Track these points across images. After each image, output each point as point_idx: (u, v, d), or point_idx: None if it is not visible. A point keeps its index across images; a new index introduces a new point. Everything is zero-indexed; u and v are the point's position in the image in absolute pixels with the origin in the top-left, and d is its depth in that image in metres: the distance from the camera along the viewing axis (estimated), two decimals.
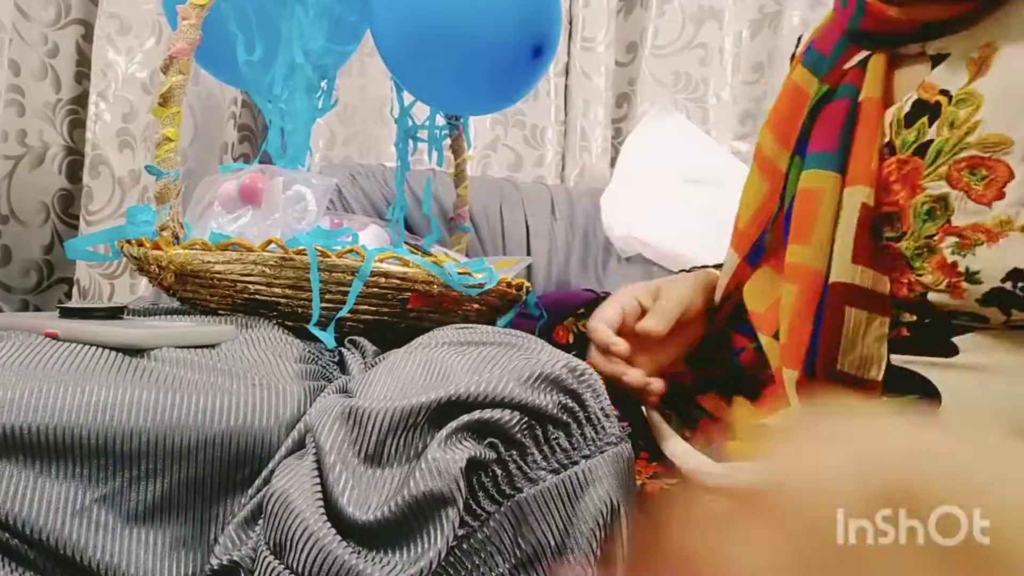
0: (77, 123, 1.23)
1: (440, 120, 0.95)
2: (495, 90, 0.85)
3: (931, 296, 0.50)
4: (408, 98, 0.92)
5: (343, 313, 0.64)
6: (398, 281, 0.66)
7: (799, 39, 0.70)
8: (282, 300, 0.65)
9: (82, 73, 1.22)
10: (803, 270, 0.55)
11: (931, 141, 0.50)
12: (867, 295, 0.52)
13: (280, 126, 0.81)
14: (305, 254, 0.63)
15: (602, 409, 0.46)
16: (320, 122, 1.33)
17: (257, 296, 0.65)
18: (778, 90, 0.66)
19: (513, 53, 0.80)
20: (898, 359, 0.52)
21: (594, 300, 0.81)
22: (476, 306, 0.73)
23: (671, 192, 1.34)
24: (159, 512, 0.45)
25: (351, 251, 0.64)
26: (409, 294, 0.67)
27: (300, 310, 0.65)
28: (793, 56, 0.69)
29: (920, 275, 0.51)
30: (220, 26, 0.76)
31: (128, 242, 0.68)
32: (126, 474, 0.45)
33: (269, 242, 0.64)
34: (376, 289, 0.65)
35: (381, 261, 0.65)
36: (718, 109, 1.55)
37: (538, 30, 0.81)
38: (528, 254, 1.24)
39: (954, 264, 0.49)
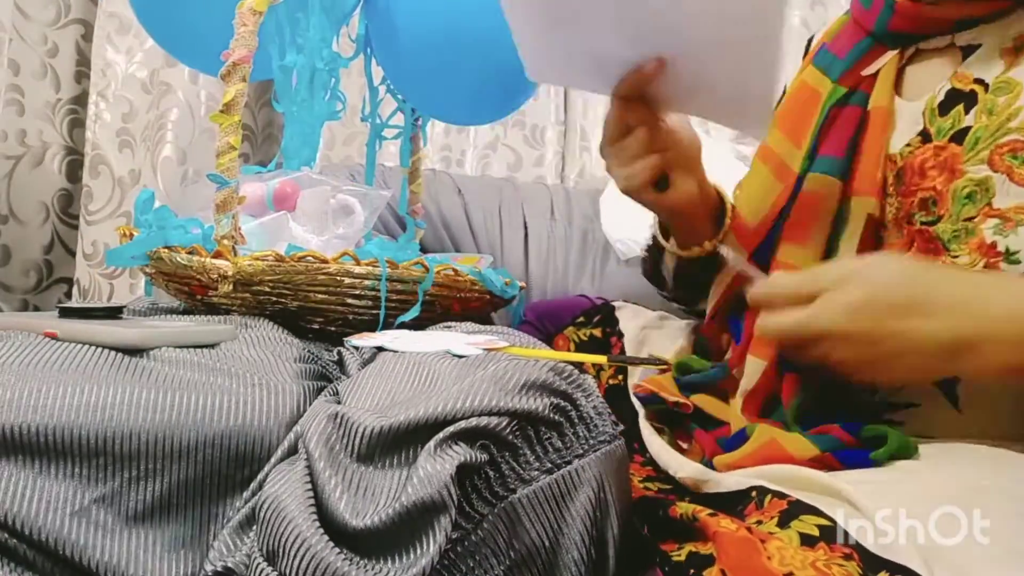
0: (77, 123, 1.23)
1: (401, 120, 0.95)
2: (495, 98, 0.85)
3: None
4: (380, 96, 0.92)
5: (407, 318, 0.67)
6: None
7: (809, 41, 0.70)
8: (338, 308, 0.66)
9: (82, 73, 1.23)
10: (795, 269, 0.57)
11: (968, 128, 0.52)
12: None
13: (295, 128, 0.83)
14: (376, 266, 0.65)
15: (595, 408, 0.46)
16: None
17: (306, 304, 0.65)
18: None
19: (513, 58, 0.80)
20: None
21: (592, 308, 0.80)
22: (475, 305, 0.73)
23: None
24: (158, 512, 0.45)
25: (417, 263, 0.67)
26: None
27: (351, 317, 0.67)
28: (804, 58, 0.68)
29: (956, 256, 0.52)
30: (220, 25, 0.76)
31: (170, 249, 0.65)
32: (125, 474, 0.45)
33: (343, 254, 0.65)
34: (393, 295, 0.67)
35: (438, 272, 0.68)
36: None
37: None
38: (526, 255, 1.24)
39: (993, 244, 0.50)
